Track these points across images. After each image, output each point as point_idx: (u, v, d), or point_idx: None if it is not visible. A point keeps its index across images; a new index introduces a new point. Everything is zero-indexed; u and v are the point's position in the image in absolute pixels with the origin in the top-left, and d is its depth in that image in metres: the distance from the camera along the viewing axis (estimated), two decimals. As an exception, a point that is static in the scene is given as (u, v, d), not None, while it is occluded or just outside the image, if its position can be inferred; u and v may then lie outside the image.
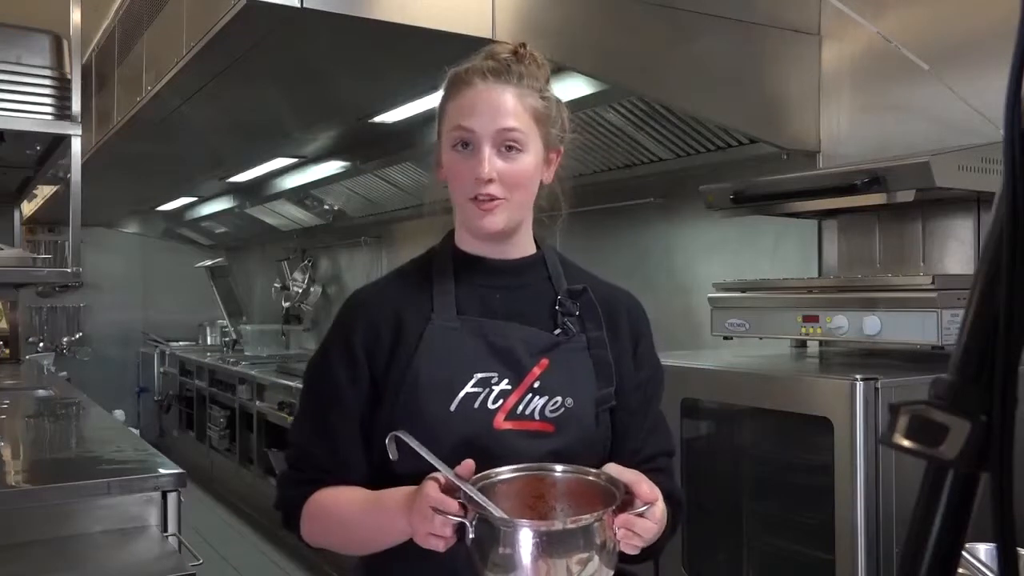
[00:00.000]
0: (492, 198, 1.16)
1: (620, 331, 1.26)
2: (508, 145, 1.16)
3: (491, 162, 1.15)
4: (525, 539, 0.97)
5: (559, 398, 1.18)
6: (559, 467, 1.10)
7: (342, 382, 1.22)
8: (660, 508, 1.07)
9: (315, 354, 1.29)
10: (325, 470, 1.21)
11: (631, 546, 1.04)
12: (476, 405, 1.16)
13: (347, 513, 1.20)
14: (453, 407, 1.15)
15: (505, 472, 1.08)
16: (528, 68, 1.20)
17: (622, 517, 1.03)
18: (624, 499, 1.04)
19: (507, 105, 1.17)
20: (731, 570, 2.15)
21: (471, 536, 1.00)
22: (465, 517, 1.00)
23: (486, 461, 1.10)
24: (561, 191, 1.28)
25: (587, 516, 1.00)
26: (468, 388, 1.16)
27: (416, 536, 1.05)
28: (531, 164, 1.19)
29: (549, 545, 0.97)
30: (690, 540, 2.13)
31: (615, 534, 1.02)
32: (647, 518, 1.05)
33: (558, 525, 1.00)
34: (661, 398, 1.33)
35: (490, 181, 1.15)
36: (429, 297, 1.23)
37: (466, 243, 1.26)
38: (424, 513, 1.03)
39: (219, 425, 5.99)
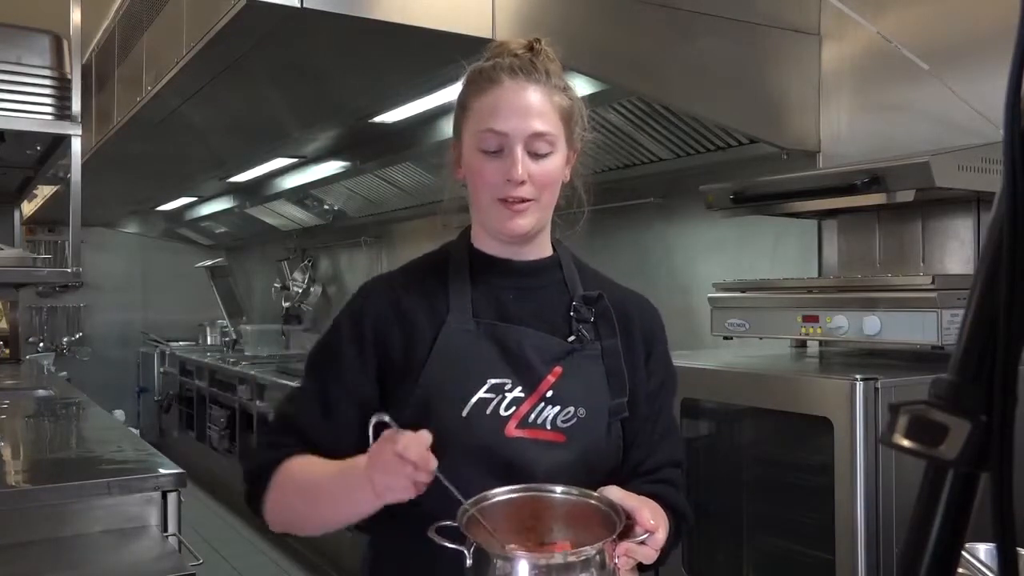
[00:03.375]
0: (523, 200, 1.14)
1: (633, 339, 1.24)
2: (538, 146, 1.14)
3: (524, 164, 1.13)
4: (523, 570, 0.94)
5: (572, 408, 1.15)
6: (559, 489, 1.07)
7: (350, 361, 1.18)
8: (662, 536, 1.04)
9: (323, 334, 1.24)
10: (311, 443, 1.14)
11: (627, 572, 1.03)
12: (488, 411, 1.13)
13: (311, 476, 1.11)
14: (465, 412, 1.12)
15: (503, 493, 1.04)
16: (552, 65, 1.17)
17: (623, 546, 1.00)
18: (625, 524, 1.01)
19: (538, 105, 1.14)
20: (731, 570, 2.15)
21: (468, 563, 0.97)
22: (463, 544, 0.97)
23: (496, 469, 1.09)
24: (583, 189, 1.27)
25: (587, 548, 0.96)
26: (481, 394, 1.13)
27: (376, 488, 0.98)
28: (559, 164, 1.18)
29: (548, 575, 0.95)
30: (691, 540, 2.13)
31: (615, 563, 1.00)
32: (648, 545, 1.02)
33: (558, 557, 0.97)
34: (673, 406, 1.30)
35: (522, 183, 1.13)
36: (444, 296, 1.20)
37: (484, 243, 1.23)
38: (389, 466, 0.96)
39: (219, 425, 5.99)
